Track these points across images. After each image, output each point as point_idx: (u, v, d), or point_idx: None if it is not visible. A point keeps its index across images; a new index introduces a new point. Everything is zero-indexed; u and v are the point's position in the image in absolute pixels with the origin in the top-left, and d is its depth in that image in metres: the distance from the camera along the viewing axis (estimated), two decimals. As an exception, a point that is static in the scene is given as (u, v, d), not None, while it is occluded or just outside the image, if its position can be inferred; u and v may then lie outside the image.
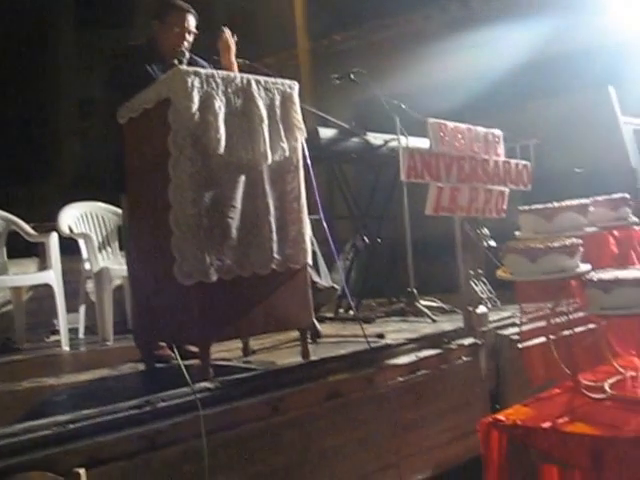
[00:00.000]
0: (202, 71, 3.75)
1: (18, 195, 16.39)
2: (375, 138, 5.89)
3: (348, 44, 10.93)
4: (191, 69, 3.75)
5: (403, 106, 5.69)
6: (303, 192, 4.13)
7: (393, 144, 5.79)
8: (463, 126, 4.89)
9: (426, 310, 5.60)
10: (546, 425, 3.47)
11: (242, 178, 3.84)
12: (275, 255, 3.95)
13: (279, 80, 4.08)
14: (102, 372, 4.37)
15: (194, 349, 4.39)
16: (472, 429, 4.54)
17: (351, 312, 5.92)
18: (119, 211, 6.28)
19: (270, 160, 3.92)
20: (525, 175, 5.28)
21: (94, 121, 16.60)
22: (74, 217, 6.19)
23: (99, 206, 6.43)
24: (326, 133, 5.55)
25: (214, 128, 3.70)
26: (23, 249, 6.23)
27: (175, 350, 4.29)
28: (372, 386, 4.14)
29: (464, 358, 4.77)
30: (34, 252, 6.38)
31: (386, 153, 5.87)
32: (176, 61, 4.49)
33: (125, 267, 5.82)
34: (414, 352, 4.53)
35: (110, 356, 5.24)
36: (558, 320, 3.94)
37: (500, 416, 3.65)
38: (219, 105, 3.74)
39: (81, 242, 6.03)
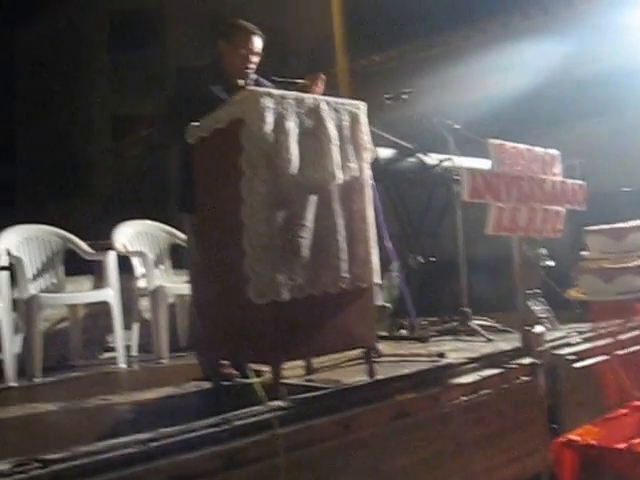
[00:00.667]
0: (275, 92, 3.78)
1: (53, 213, 16.55)
2: (430, 158, 5.90)
3: (387, 64, 11.00)
4: (264, 90, 3.78)
5: (457, 126, 5.71)
6: (370, 211, 4.15)
7: (447, 164, 5.80)
8: (522, 146, 4.90)
9: (480, 329, 5.59)
10: (621, 446, 3.45)
11: (312, 198, 3.86)
12: (344, 274, 3.96)
13: (347, 101, 4.11)
14: (167, 390, 4.38)
15: (256, 367, 4.42)
16: (531, 449, 4.55)
17: (402, 331, 5.93)
18: (172, 230, 6.35)
19: (339, 180, 3.94)
20: (581, 195, 5.28)
21: (130, 139, 16.65)
22: (128, 235, 6.22)
23: (152, 224, 6.47)
24: (384, 153, 5.57)
25: (286, 148, 3.72)
26: (76, 267, 6.25)
27: (247, 369, 4.33)
28: (437, 405, 4.13)
29: (523, 378, 4.74)
30: (88, 270, 6.41)
31: (440, 173, 5.88)
32: (241, 82, 4.53)
33: (179, 285, 5.90)
34: (476, 371, 4.51)
35: (169, 374, 5.26)
36: (627, 339, 3.93)
37: (573, 436, 3.63)
38: (291, 126, 3.77)
39: (136, 260, 6.06)
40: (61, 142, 20.55)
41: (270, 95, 3.74)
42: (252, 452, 3.26)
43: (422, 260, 6.00)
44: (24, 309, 5.24)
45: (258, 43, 4.61)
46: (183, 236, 6.29)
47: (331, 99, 4.03)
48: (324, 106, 3.95)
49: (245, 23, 4.68)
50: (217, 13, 19.48)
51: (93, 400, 4.24)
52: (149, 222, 6.47)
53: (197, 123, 4.09)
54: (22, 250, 5.66)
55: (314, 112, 3.90)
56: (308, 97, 3.91)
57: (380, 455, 3.78)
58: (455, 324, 5.86)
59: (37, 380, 5.17)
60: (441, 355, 4.68)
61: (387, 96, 5.75)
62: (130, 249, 6.11)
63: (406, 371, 4.34)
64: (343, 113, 4.04)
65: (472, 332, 5.66)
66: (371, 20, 11.44)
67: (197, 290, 4.51)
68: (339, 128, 4.00)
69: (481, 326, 5.70)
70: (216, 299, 4.06)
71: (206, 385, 4.38)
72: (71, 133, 20.50)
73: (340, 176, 3.94)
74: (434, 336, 5.68)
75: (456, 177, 5.67)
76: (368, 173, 4.17)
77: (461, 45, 10.39)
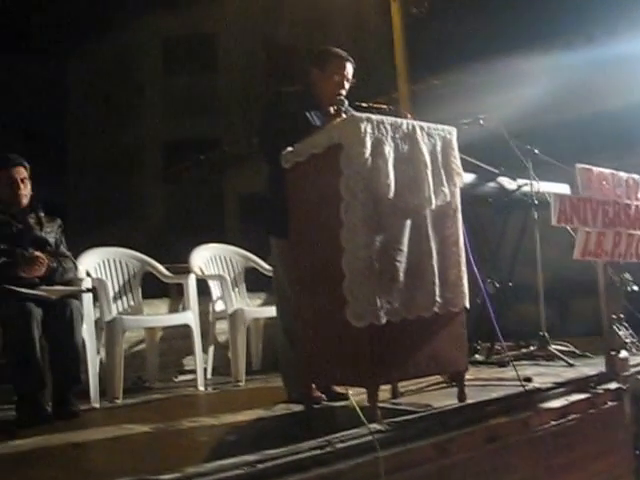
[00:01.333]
0: (373, 117, 3.83)
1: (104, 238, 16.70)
2: (509, 182, 5.91)
3: (447, 88, 11.03)
4: (363, 115, 3.82)
5: (536, 151, 5.72)
6: (461, 236, 4.19)
7: (526, 189, 5.80)
8: (607, 171, 4.92)
9: (561, 354, 5.58)
10: None
11: (408, 222, 3.90)
12: (437, 298, 3.99)
13: (439, 126, 4.15)
14: (257, 412, 4.41)
15: (341, 390, 4.46)
16: (618, 474, 4.53)
17: (477, 355, 5.92)
18: (247, 253, 6.42)
19: (434, 205, 3.98)
20: (662, 220, 5.27)
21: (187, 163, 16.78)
22: (205, 258, 6.29)
23: (227, 248, 6.53)
24: (467, 178, 5.58)
25: (384, 173, 3.77)
26: (149, 289, 6.32)
27: (335, 392, 4.36)
28: (528, 429, 4.14)
29: (609, 403, 4.73)
30: (161, 292, 6.49)
31: (518, 197, 5.88)
32: (332, 109, 4.59)
33: (257, 309, 5.97)
34: (564, 396, 4.51)
35: (250, 396, 5.31)
36: None
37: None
38: (388, 150, 3.82)
39: (214, 283, 6.12)
40: (112, 167, 20.78)
41: (369, 120, 3.79)
42: (355, 474, 3.29)
43: (498, 284, 5.99)
44: (106, 331, 5.30)
45: (350, 69, 4.67)
46: (258, 259, 6.39)
47: (424, 124, 4.08)
48: (418, 131, 4.00)
49: (338, 50, 4.74)
50: (271, 40, 19.76)
51: (184, 422, 4.28)
52: (225, 245, 6.53)
53: (291, 148, 4.15)
54: (100, 272, 5.74)
55: (409, 137, 3.95)
56: (403, 122, 3.96)
57: (474, 478, 3.79)
58: (532, 348, 5.84)
59: (119, 402, 5.21)
60: (528, 379, 4.67)
61: (465, 121, 5.77)
62: (206, 272, 6.17)
63: (495, 395, 4.35)
64: (436, 138, 4.09)
65: (550, 357, 5.64)
66: (430, 43, 11.47)
67: (286, 313, 4.54)
68: (432, 153, 4.05)
69: (559, 351, 5.68)
70: (310, 322, 4.10)
71: (296, 408, 4.40)
72: (122, 158, 20.72)
73: (435, 201, 3.99)
74: (512, 361, 5.65)
75: (536, 202, 5.69)
76: (459, 198, 4.21)
77: (524, 67, 10.35)
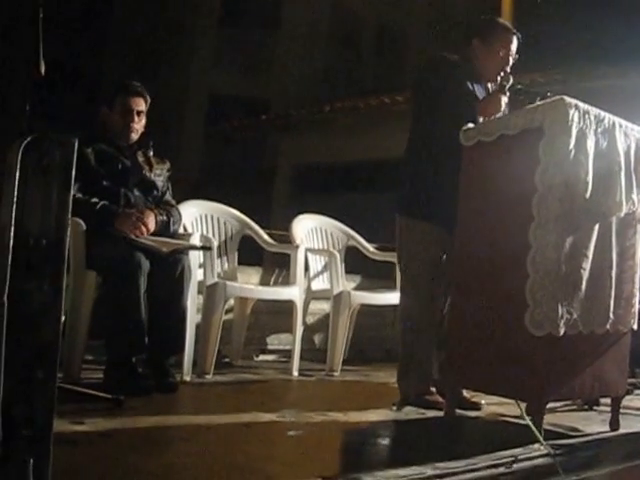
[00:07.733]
0: (581, 105, 3.64)
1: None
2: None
3: (549, 87, 10.68)
4: (573, 101, 3.62)
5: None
6: (639, 250, 4.02)
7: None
8: None
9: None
10: None
11: (596, 227, 3.74)
12: (611, 314, 3.84)
13: (635, 127, 3.97)
14: (385, 413, 4.22)
15: (473, 399, 4.31)
16: None
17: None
18: (350, 231, 6.21)
19: (624, 211, 3.81)
20: None
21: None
22: (307, 230, 6.01)
23: (330, 222, 6.20)
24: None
25: (584, 170, 3.60)
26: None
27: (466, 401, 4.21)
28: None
29: None
30: (253, 260, 6.24)
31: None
32: (492, 85, 4.43)
33: (363, 294, 5.73)
34: None
35: (358, 391, 5.16)
36: None
37: None
38: (590, 145, 3.64)
39: (316, 259, 5.89)
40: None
41: (577, 108, 3.60)
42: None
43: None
44: (206, 297, 4.97)
45: (515, 44, 4.45)
46: (362, 240, 6.19)
47: (623, 121, 3.89)
48: (617, 128, 3.82)
49: (505, 22, 4.56)
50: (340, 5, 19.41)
51: (313, 415, 4.00)
52: (328, 219, 6.23)
53: (472, 125, 3.96)
54: (198, 228, 5.44)
55: (609, 133, 3.76)
56: (606, 115, 3.77)
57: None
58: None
59: (209, 377, 4.95)
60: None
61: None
62: (306, 245, 5.81)
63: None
64: (631, 139, 3.91)
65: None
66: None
67: (417, 305, 4.38)
68: (627, 154, 3.86)
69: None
70: (467, 321, 3.91)
71: (429, 413, 4.20)
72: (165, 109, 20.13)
73: (624, 207, 3.82)
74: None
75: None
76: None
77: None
